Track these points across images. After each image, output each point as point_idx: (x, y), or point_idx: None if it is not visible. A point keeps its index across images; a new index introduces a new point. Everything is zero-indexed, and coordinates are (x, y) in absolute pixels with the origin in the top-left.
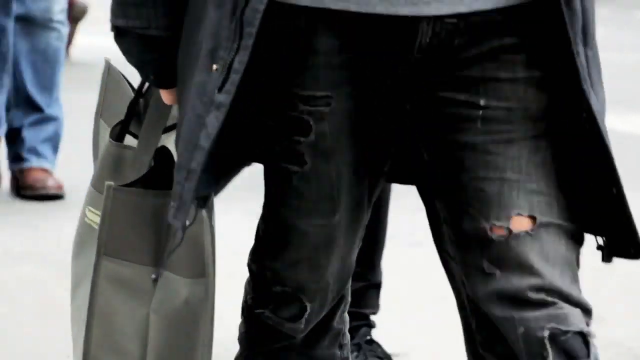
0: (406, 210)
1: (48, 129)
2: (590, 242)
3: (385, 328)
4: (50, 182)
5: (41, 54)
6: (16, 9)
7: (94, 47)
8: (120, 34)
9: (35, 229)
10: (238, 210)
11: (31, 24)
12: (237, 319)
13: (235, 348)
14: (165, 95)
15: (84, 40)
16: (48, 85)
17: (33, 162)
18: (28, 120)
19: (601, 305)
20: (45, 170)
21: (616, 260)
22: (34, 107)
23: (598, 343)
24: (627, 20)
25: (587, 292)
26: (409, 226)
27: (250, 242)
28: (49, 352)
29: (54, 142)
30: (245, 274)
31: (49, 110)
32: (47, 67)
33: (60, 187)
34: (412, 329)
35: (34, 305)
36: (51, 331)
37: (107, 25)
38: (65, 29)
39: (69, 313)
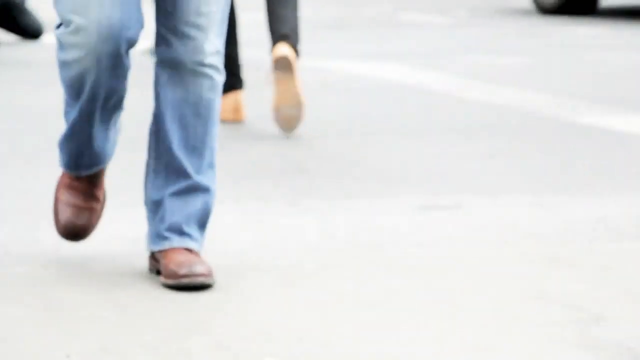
0: (406, 210)
1: (195, 202)
2: (587, 240)
3: (383, 328)
4: (198, 267)
5: (191, 107)
6: (162, 52)
7: None
8: None
9: (35, 229)
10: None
11: (178, 69)
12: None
13: None
14: None
15: None
16: (198, 146)
17: (174, 241)
18: (170, 190)
19: (601, 305)
20: (190, 251)
21: (616, 260)
22: (180, 173)
23: (598, 343)
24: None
25: (587, 292)
26: (409, 226)
27: (253, 242)
28: (49, 352)
29: (202, 218)
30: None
31: (199, 178)
32: (198, 123)
33: (209, 272)
34: (409, 330)
35: (34, 305)
36: (51, 331)
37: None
38: (220, 77)
39: (69, 313)
